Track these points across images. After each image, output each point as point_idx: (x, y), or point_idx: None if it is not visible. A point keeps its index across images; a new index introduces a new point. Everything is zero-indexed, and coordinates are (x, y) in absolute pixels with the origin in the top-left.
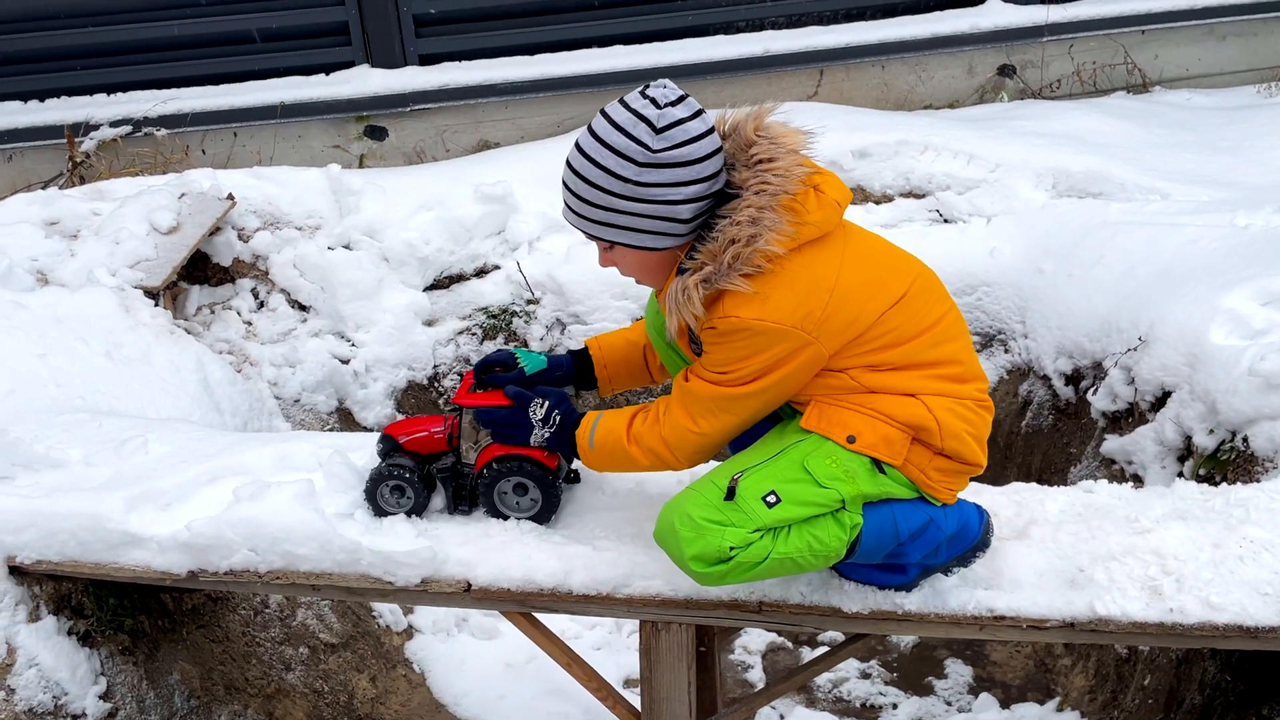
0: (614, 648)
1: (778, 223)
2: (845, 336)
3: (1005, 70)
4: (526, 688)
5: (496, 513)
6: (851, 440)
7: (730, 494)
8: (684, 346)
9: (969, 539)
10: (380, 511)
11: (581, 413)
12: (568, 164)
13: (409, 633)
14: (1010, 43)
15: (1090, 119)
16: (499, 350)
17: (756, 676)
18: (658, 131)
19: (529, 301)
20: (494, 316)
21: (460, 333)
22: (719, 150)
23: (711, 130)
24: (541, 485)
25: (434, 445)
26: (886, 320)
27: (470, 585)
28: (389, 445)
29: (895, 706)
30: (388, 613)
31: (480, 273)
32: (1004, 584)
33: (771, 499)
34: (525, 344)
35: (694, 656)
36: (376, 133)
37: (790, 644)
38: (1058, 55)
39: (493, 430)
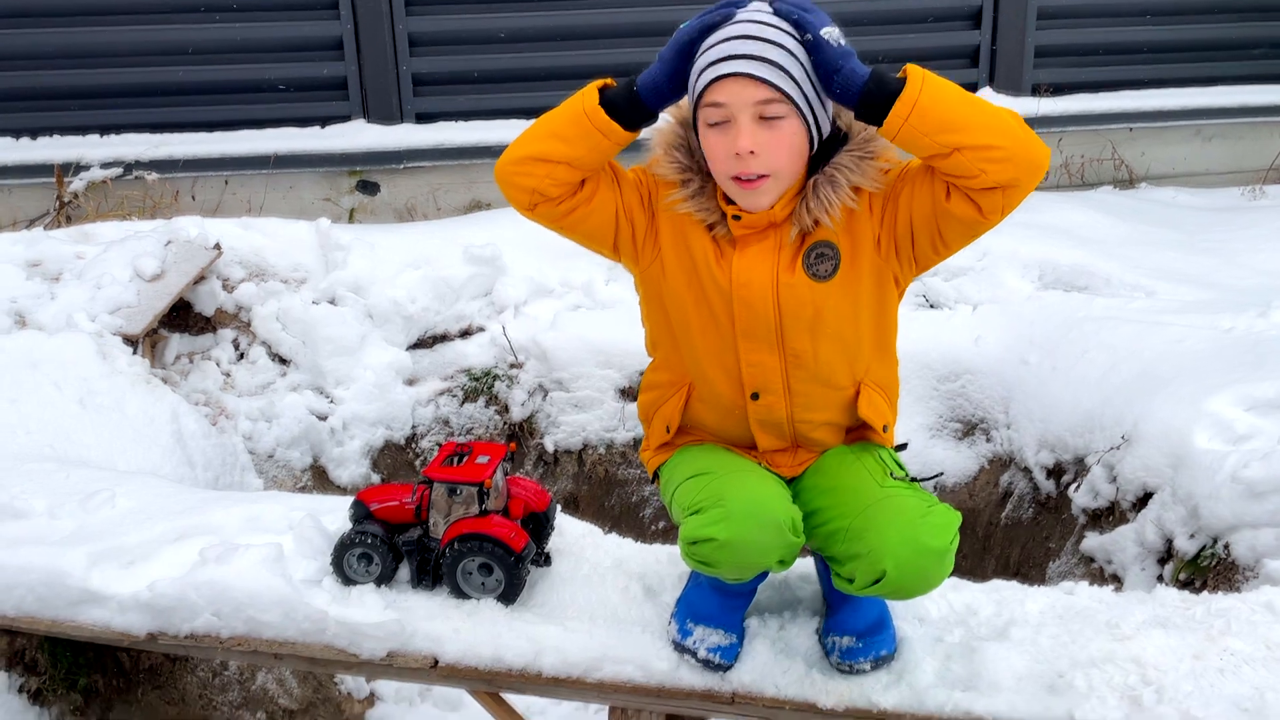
0: None
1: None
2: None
3: None
4: None
5: (459, 592)
6: (885, 429)
7: (912, 479)
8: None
9: None
10: (347, 580)
11: None
12: (759, 21)
13: (370, 700)
14: None
15: (1078, 212)
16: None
17: None
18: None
19: (512, 365)
20: (476, 379)
21: (441, 393)
22: None
23: None
24: (504, 566)
25: (402, 515)
26: None
27: (437, 661)
28: (360, 511)
29: None
30: (350, 679)
31: (465, 334)
32: (983, 686)
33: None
34: (505, 408)
35: None
36: (368, 187)
37: None
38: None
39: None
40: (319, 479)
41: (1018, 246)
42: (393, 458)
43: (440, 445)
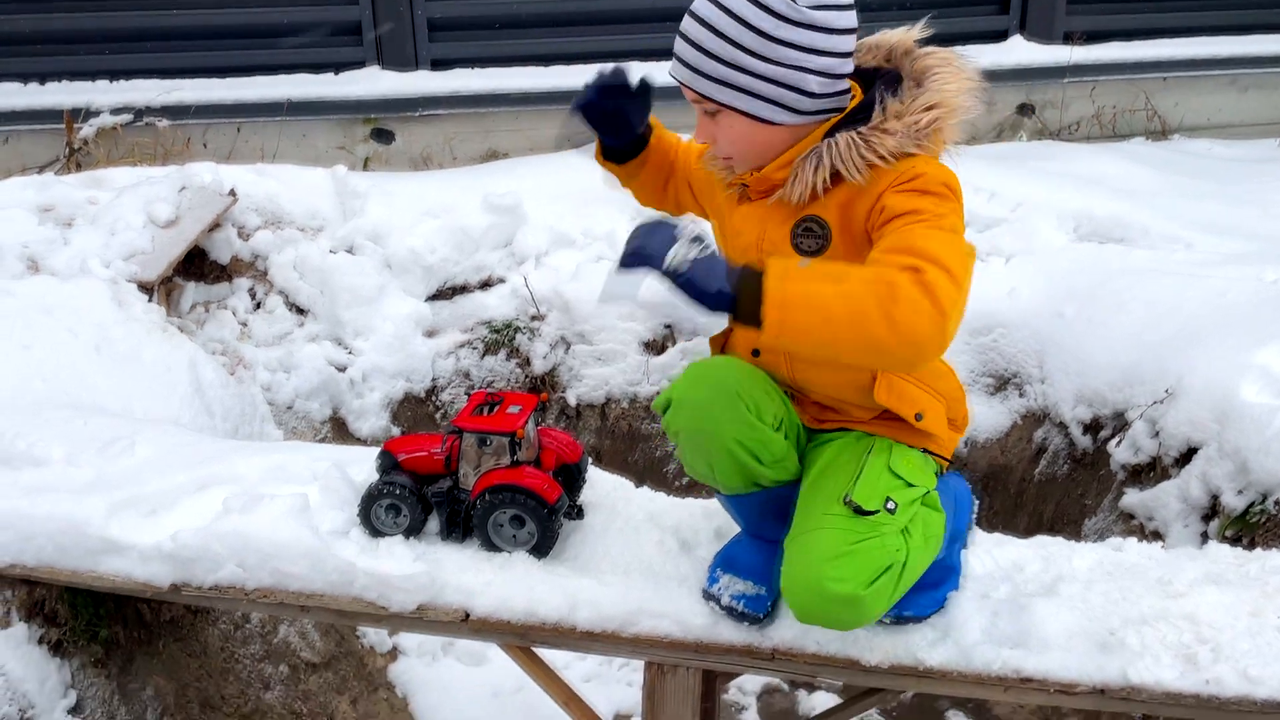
0: (604, 680)
1: (969, 110)
2: None
3: (1024, 109)
4: (514, 718)
5: (491, 545)
6: (919, 418)
7: (860, 511)
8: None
9: (967, 506)
10: (375, 531)
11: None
12: (691, 11)
13: (393, 654)
14: (1031, 81)
15: (1113, 163)
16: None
17: (751, 719)
18: None
19: (533, 317)
20: (497, 331)
21: (461, 345)
22: (854, 32)
23: (853, 7)
24: (537, 519)
25: (431, 466)
26: None
27: (469, 615)
28: (388, 461)
29: None
30: (372, 633)
31: (485, 285)
32: (1032, 643)
33: (890, 505)
34: (527, 360)
35: (699, 702)
36: (383, 136)
37: (786, 686)
38: (1078, 97)
39: (628, 252)
40: (338, 431)
41: (1052, 196)
42: (413, 410)
43: (469, 395)
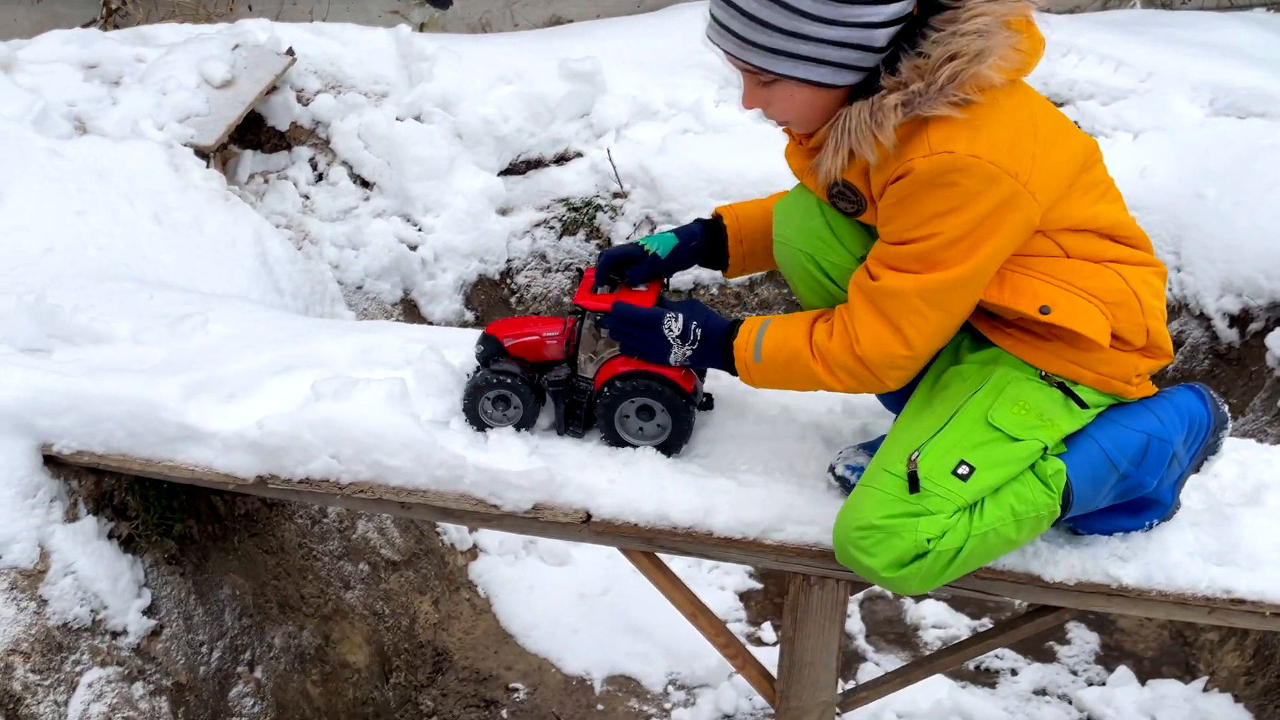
0: (693, 582)
1: (1009, 42)
2: (1052, 194)
3: None
4: (601, 622)
5: (615, 439)
6: (1045, 311)
7: (914, 482)
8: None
9: (1202, 426)
10: (480, 425)
11: (729, 321)
12: None
13: (473, 552)
14: None
15: (1246, 31)
16: (619, 246)
17: (855, 626)
18: None
19: (615, 195)
20: (575, 209)
21: (537, 225)
22: None
23: None
24: (673, 410)
25: (547, 352)
26: (1084, 179)
27: (590, 516)
28: (492, 348)
29: (1015, 673)
30: (453, 529)
31: (561, 159)
32: (1241, 560)
33: (964, 470)
34: (609, 241)
35: (844, 618)
36: (439, 0)
37: (890, 593)
38: None
39: (623, 348)
40: (410, 314)
41: (1185, 66)
42: (486, 293)
43: (582, 271)
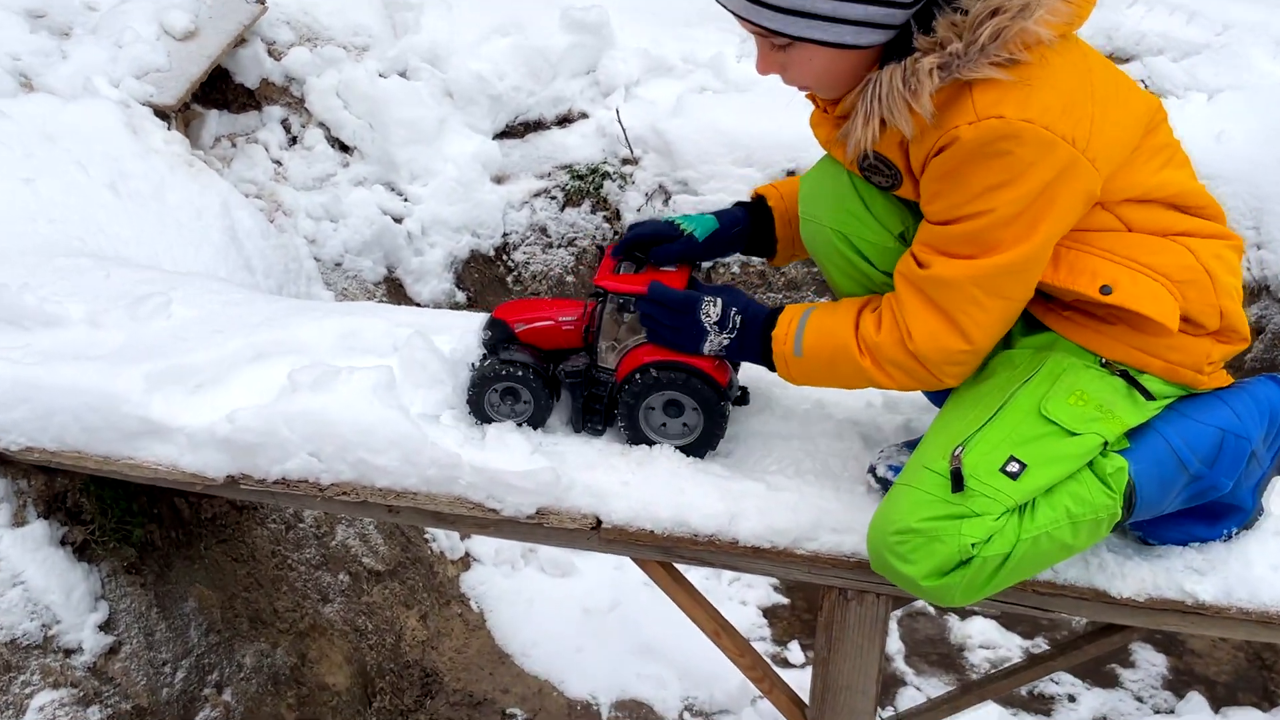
0: (713, 596)
1: (1045, 6)
2: (1113, 161)
3: None
4: (609, 640)
5: (639, 436)
6: (1106, 291)
7: (957, 481)
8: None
9: None
10: (484, 419)
11: (769, 309)
12: None
13: (466, 561)
14: None
15: None
16: (649, 221)
17: (894, 646)
18: None
19: (625, 161)
20: (580, 177)
21: (537, 194)
22: None
23: None
24: (707, 408)
25: (562, 339)
26: (1149, 143)
27: (600, 522)
28: (500, 333)
29: (1073, 699)
30: (442, 535)
31: (563, 121)
32: None
33: (1013, 467)
34: (617, 214)
35: (885, 637)
36: None
37: (933, 609)
38: None
39: (650, 334)
40: (394, 293)
41: (1267, 18)
42: (480, 271)
43: (602, 249)
